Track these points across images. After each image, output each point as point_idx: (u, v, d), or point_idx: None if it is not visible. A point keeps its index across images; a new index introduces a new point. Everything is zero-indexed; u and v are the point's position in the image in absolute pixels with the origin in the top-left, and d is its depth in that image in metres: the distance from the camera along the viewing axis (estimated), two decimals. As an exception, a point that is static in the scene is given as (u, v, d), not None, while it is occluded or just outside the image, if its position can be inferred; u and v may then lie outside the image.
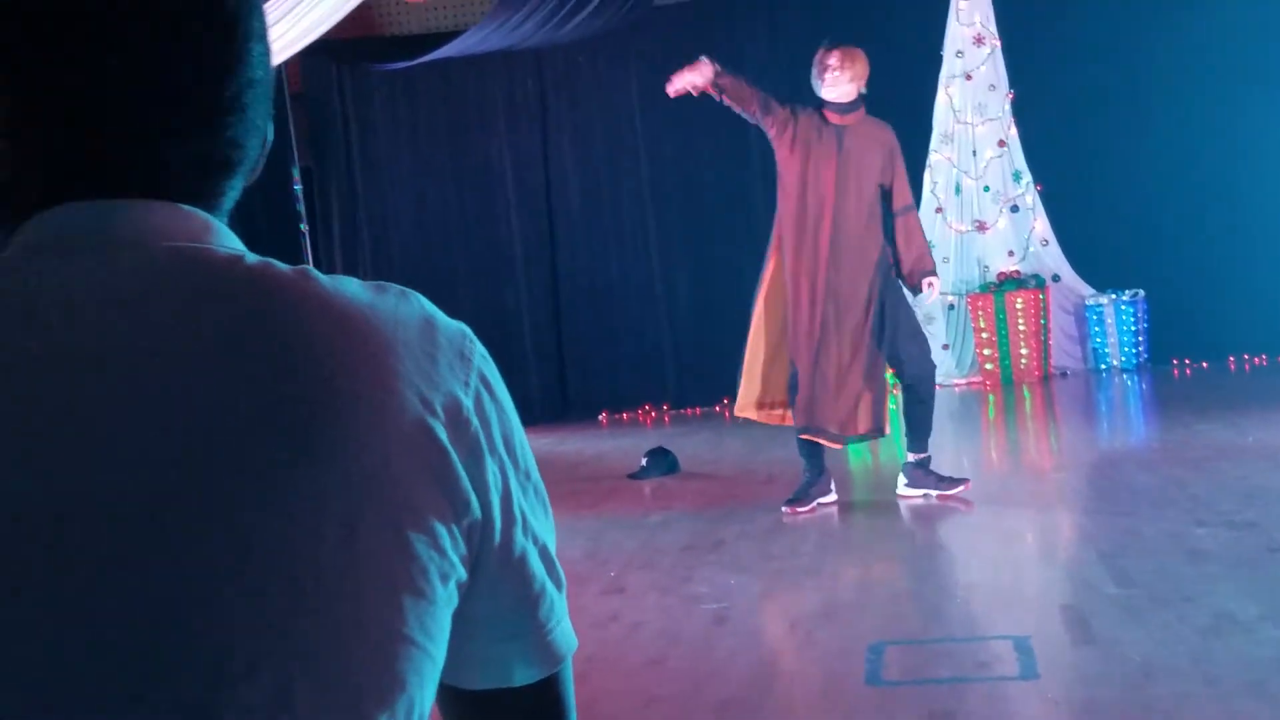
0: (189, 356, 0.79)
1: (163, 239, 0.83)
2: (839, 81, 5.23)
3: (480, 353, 0.91)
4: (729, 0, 9.27)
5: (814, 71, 5.36)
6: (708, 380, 9.29)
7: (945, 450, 6.95)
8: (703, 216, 9.32)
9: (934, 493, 5.37)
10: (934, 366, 5.37)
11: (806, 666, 3.51)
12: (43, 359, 0.78)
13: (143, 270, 0.81)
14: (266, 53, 0.91)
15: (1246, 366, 8.29)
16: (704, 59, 5.41)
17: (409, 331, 0.87)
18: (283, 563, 0.77)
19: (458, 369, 0.88)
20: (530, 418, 9.36)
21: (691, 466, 6.91)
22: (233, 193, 0.90)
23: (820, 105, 5.32)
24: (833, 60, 5.23)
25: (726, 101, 5.40)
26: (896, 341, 5.23)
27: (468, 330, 0.91)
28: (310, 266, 0.86)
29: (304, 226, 8.92)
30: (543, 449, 8.25)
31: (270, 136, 0.92)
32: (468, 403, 0.87)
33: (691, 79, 5.32)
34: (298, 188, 9.06)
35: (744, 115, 5.45)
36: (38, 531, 0.75)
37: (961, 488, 5.35)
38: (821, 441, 5.35)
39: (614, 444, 8.10)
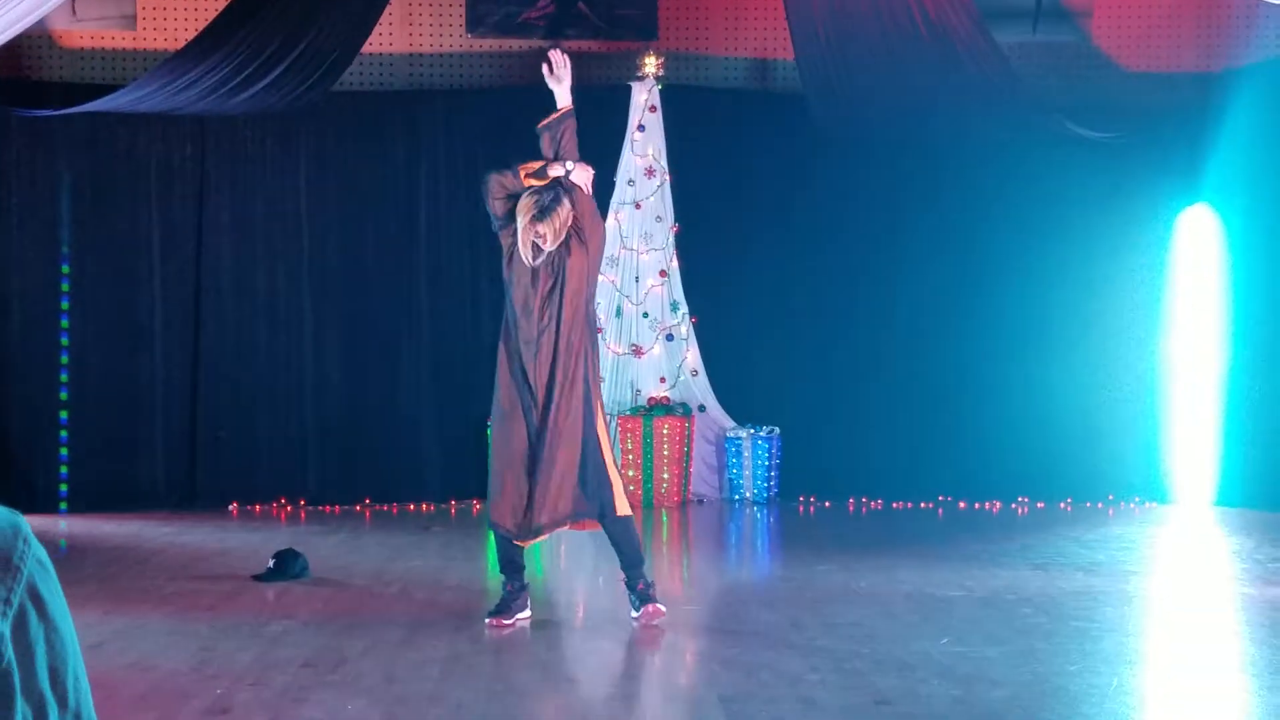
0: None
1: None
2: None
3: (35, 556, 0.74)
4: (410, 94, 9.22)
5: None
6: (350, 477, 9.01)
7: (582, 573, 7.00)
8: (362, 310, 9.11)
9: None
10: None
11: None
12: None
13: None
14: None
15: (864, 509, 8.85)
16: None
17: None
18: None
19: None
20: (154, 503, 8.76)
21: (323, 571, 6.60)
22: None
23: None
24: (544, 229, 5.23)
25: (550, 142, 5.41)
26: None
27: (22, 525, 0.74)
28: None
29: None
30: (162, 539, 7.71)
31: None
32: (3, 628, 0.71)
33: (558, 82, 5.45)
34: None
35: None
36: None
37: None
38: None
39: (242, 539, 7.66)
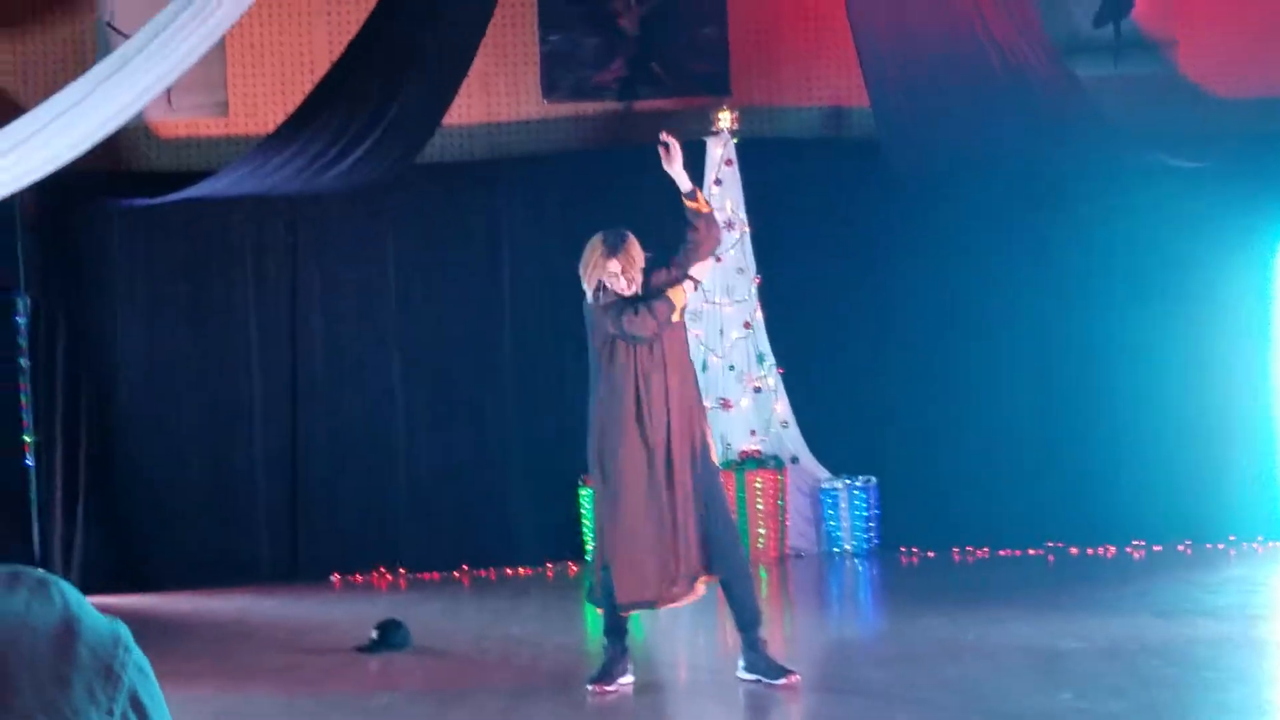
0: None
1: None
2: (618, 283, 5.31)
3: (136, 664, 0.73)
4: (492, 163, 9.33)
5: (591, 268, 5.35)
6: (446, 544, 9.04)
7: (682, 632, 6.91)
8: (450, 376, 9.20)
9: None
10: None
11: None
12: None
13: None
14: None
15: (969, 559, 8.62)
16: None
17: (37, 642, 0.69)
18: None
19: (99, 692, 0.70)
20: (257, 577, 8.87)
21: (424, 639, 6.61)
22: None
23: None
24: (614, 267, 5.27)
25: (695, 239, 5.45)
26: None
27: (123, 633, 0.73)
28: None
29: (24, 361, 8.34)
30: (268, 613, 7.79)
31: None
32: None
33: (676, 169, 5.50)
34: (21, 320, 8.48)
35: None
36: None
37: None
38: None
39: (345, 610, 7.71)
